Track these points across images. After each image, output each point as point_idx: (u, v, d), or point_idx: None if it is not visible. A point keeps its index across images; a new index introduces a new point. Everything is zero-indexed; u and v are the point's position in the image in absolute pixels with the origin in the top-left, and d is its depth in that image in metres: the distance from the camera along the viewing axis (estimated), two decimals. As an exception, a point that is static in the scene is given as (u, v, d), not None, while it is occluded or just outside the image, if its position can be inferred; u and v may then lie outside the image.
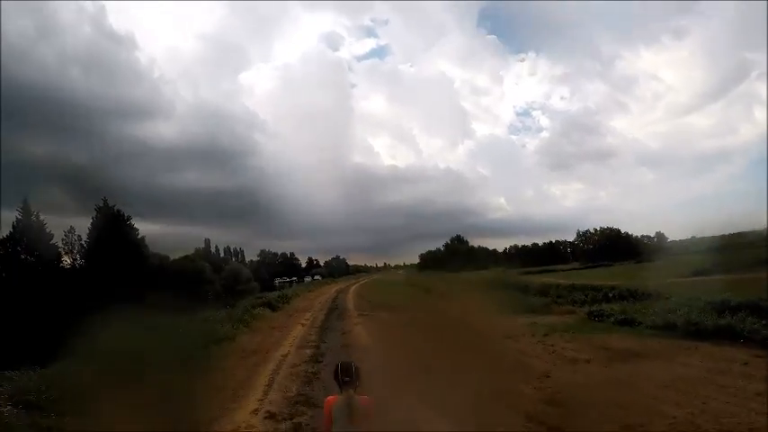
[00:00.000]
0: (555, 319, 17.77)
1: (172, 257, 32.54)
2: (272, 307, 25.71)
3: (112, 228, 28.37)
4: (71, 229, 30.52)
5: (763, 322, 11.30)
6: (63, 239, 30.34)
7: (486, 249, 40.55)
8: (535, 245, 40.85)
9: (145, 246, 29.31)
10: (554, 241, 40.85)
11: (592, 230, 38.99)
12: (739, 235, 26.39)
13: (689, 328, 12.21)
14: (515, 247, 41.62)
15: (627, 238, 35.30)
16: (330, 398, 4.07)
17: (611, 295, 20.73)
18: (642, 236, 35.49)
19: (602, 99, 38.83)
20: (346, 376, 4.06)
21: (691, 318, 12.62)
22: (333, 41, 72.46)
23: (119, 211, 29.59)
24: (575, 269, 35.16)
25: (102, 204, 29.76)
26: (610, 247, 34.91)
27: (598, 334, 13.68)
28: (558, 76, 38.48)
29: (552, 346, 12.68)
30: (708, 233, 30.00)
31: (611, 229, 36.69)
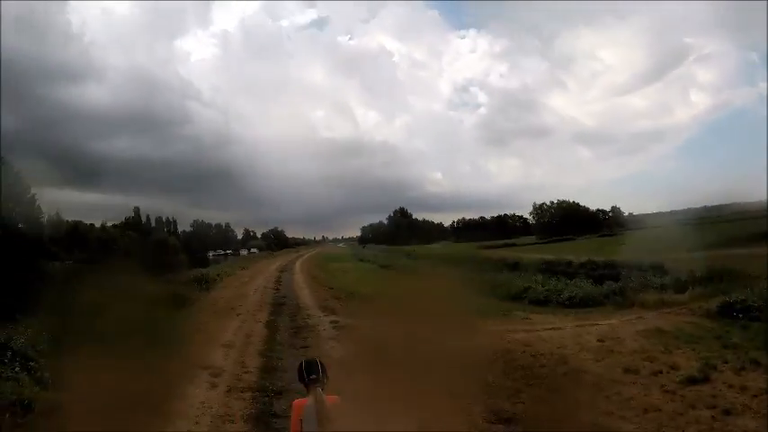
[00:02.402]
0: (645, 321, 11.96)
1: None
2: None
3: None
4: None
5: None
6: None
7: (432, 223, 40.64)
8: (483, 218, 41.00)
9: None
10: (503, 214, 41.04)
11: (548, 203, 39.03)
12: (695, 211, 27.00)
13: None
14: (463, 220, 41.71)
15: (585, 211, 36.23)
16: (297, 401, 3.76)
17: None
18: (598, 209, 36.51)
19: (539, 77, 39.66)
20: (312, 374, 3.75)
21: None
22: (272, 10, 68.82)
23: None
24: (536, 243, 34.82)
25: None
26: (568, 220, 35.70)
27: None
28: (498, 53, 38.97)
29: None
30: (654, 209, 30.90)
31: (568, 203, 37.12)
